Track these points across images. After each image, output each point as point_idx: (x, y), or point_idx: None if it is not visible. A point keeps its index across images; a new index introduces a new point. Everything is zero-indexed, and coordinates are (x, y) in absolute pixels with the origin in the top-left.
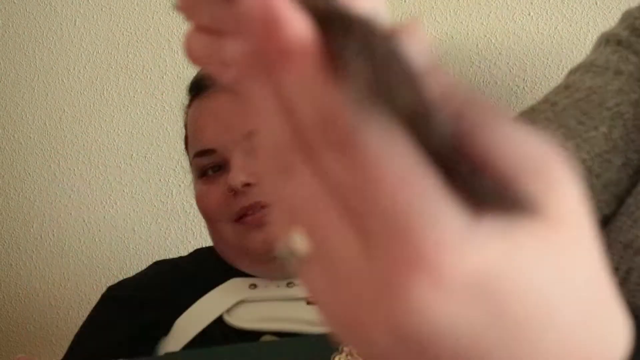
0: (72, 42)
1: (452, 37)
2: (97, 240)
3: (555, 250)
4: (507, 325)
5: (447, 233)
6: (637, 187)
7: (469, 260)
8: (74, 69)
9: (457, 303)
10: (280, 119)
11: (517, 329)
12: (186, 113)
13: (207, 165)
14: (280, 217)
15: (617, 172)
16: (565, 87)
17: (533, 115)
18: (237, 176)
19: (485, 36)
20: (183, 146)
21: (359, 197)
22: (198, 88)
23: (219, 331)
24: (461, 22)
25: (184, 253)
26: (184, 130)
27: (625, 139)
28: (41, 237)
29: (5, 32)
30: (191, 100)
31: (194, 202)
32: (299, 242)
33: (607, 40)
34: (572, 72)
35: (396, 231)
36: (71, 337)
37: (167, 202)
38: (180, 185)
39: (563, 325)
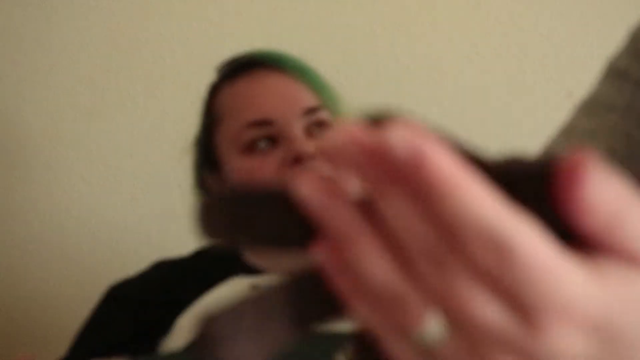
0: (72, 42)
1: (452, 37)
2: (97, 240)
3: None
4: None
5: (571, 290)
6: None
7: (591, 307)
8: (74, 69)
9: (582, 341)
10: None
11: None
12: (215, 93)
13: (261, 136)
14: (419, 305)
15: None
16: (569, 131)
17: None
18: (307, 144)
19: (484, 36)
20: (183, 145)
21: (508, 280)
22: (245, 66)
23: None
24: (461, 22)
25: (184, 253)
26: (186, 128)
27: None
28: (41, 237)
29: (5, 32)
30: (229, 80)
31: (194, 202)
32: (437, 325)
33: (612, 72)
34: (577, 109)
35: (539, 297)
36: (71, 337)
37: (167, 202)
38: (180, 185)
39: None
